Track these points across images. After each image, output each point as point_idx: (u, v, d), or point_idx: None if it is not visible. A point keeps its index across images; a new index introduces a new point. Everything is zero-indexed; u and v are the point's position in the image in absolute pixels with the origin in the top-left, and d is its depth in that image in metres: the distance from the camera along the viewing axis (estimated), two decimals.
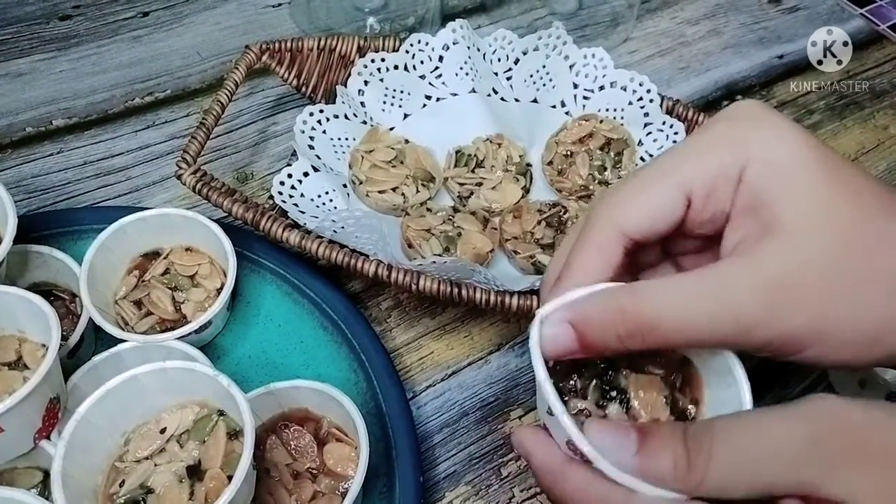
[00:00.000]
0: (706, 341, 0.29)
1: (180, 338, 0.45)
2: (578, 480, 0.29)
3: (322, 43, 0.59)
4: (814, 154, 0.29)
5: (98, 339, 0.48)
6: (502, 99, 0.62)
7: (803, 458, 0.26)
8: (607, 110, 0.61)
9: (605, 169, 0.58)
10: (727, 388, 0.31)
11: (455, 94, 0.62)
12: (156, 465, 0.38)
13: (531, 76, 0.62)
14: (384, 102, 0.61)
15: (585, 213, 0.34)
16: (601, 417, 0.31)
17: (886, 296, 0.28)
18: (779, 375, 0.52)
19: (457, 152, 0.59)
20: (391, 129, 0.61)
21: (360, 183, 0.56)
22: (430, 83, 0.62)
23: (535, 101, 0.62)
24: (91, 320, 0.46)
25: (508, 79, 0.62)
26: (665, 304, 0.28)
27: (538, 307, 0.31)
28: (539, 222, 0.54)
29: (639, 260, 0.34)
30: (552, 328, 0.30)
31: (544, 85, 0.62)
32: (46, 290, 0.48)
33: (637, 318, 0.28)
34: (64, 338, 0.41)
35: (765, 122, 0.30)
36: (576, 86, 0.62)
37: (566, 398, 0.31)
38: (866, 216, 0.28)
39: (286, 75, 0.59)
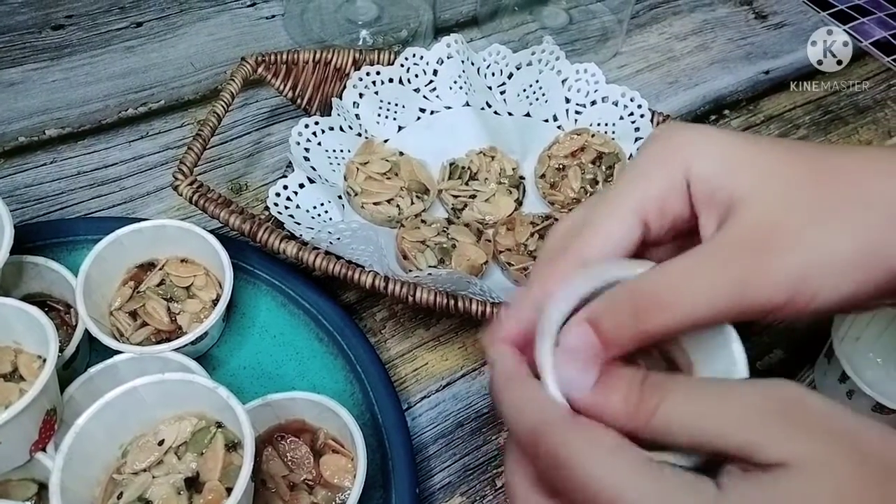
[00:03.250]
0: (716, 307, 0.29)
1: (177, 349, 0.45)
2: (527, 389, 0.30)
3: (317, 55, 0.60)
4: (737, 138, 0.32)
5: (93, 351, 0.48)
6: (496, 112, 0.63)
7: (749, 422, 0.26)
8: (599, 125, 0.62)
9: (597, 182, 0.59)
10: (721, 356, 0.31)
11: (449, 108, 0.63)
12: (154, 477, 0.38)
13: (524, 90, 0.63)
14: (379, 115, 0.62)
15: (544, 243, 0.34)
16: None
17: (863, 217, 0.29)
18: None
19: (451, 165, 0.60)
20: (386, 141, 0.61)
21: (355, 194, 0.56)
22: (424, 96, 0.63)
23: (528, 114, 0.63)
24: (87, 331, 0.46)
25: (502, 93, 0.63)
26: (673, 279, 0.29)
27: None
28: (532, 234, 0.55)
29: None
30: (572, 333, 0.30)
31: (537, 99, 0.63)
32: (41, 301, 0.48)
33: (650, 296, 0.29)
34: (59, 349, 0.41)
35: (688, 131, 0.33)
36: (568, 100, 0.63)
37: None
38: (807, 160, 0.31)
39: (282, 87, 0.60)
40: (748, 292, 0.29)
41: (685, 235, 0.34)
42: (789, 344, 0.55)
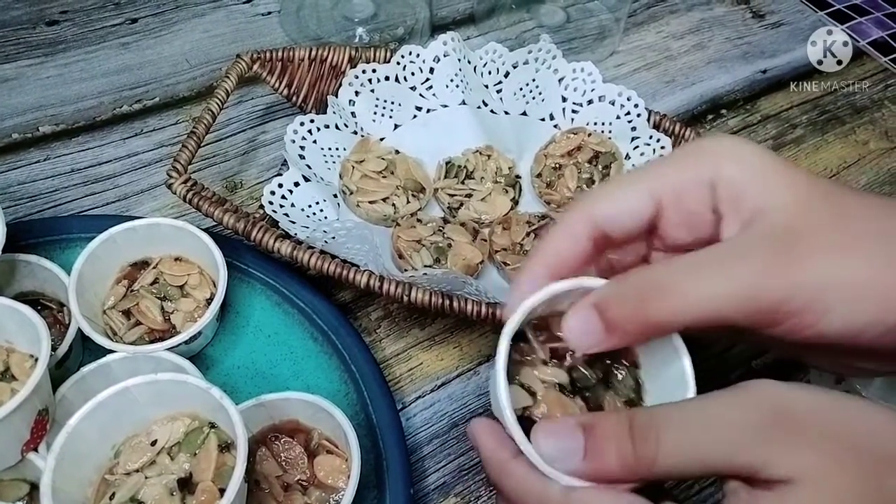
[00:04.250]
0: (728, 300, 0.29)
1: (170, 349, 0.45)
2: (519, 475, 0.30)
3: (313, 53, 0.59)
4: (769, 154, 0.32)
5: (86, 350, 0.47)
6: (492, 111, 0.62)
7: (748, 443, 0.26)
8: (595, 124, 0.62)
9: (594, 182, 0.59)
10: (671, 379, 0.32)
11: (445, 106, 0.63)
12: (146, 477, 0.38)
13: (521, 89, 0.63)
14: (375, 113, 0.62)
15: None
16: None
17: (885, 253, 0.29)
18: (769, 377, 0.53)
19: (447, 163, 0.59)
20: (382, 139, 0.61)
21: (351, 193, 0.56)
22: (420, 94, 0.63)
23: (524, 113, 0.63)
24: (79, 330, 0.45)
25: (498, 91, 0.63)
26: (688, 276, 0.30)
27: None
28: (528, 234, 0.55)
29: (620, 264, 0.36)
30: (578, 316, 0.31)
31: (534, 98, 0.63)
32: (34, 300, 0.48)
33: (664, 287, 0.30)
34: (52, 348, 0.40)
35: (725, 139, 0.33)
36: (565, 99, 0.63)
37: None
38: (830, 191, 0.31)
39: (277, 84, 0.59)
40: (763, 290, 0.29)
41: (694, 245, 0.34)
42: None
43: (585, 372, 0.33)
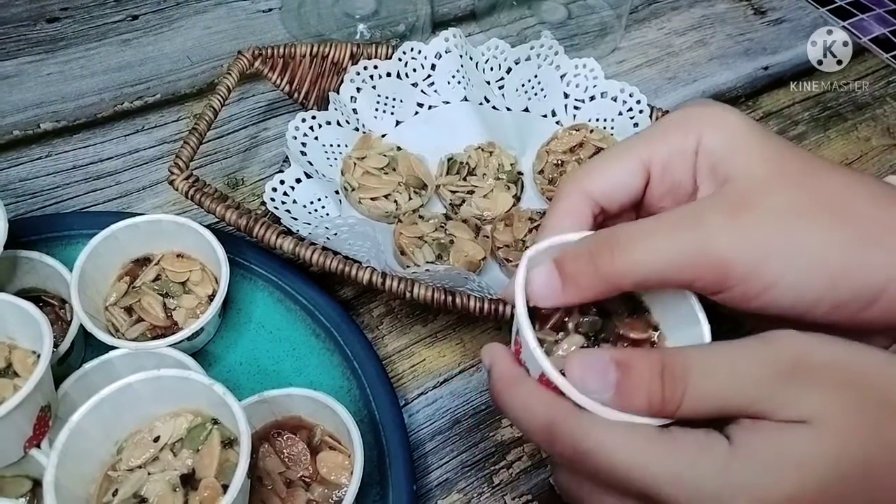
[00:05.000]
0: (674, 258, 0.30)
1: (172, 345, 0.45)
2: (529, 387, 0.31)
3: (315, 49, 0.59)
4: (752, 124, 0.33)
5: (88, 346, 0.47)
6: (494, 108, 0.62)
7: (767, 392, 0.27)
8: (597, 120, 0.62)
9: None
10: (689, 328, 0.32)
11: (447, 102, 0.63)
12: (149, 473, 0.38)
13: (523, 85, 0.63)
14: (376, 109, 0.62)
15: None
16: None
17: (841, 229, 0.30)
18: None
19: (448, 160, 0.59)
20: (383, 136, 0.61)
21: (353, 189, 0.56)
22: (422, 91, 0.62)
23: (526, 110, 0.63)
24: (81, 327, 0.45)
25: (500, 88, 0.63)
26: (641, 232, 0.31)
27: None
28: (530, 230, 0.55)
29: None
30: (539, 271, 0.32)
31: (536, 94, 0.63)
32: (36, 296, 0.48)
33: (615, 244, 0.31)
34: (54, 345, 0.40)
35: (711, 107, 0.34)
36: (567, 95, 0.62)
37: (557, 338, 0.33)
38: (803, 166, 0.32)
39: (278, 81, 0.59)
40: (709, 249, 0.29)
41: None
42: None
43: (588, 319, 0.33)
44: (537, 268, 0.32)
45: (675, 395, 0.28)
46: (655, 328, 0.34)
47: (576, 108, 0.62)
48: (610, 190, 0.35)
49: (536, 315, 0.33)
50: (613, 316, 0.34)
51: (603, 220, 0.36)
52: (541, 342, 0.32)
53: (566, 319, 0.33)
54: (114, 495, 0.37)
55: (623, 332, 0.33)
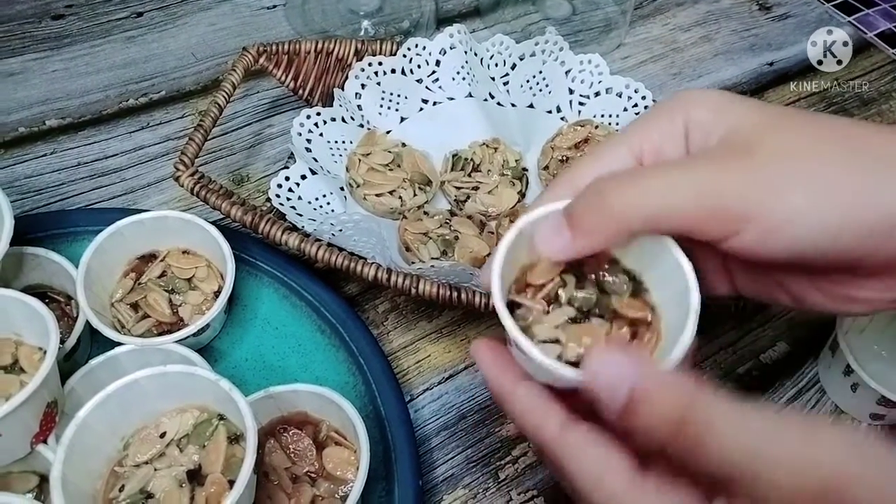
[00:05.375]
0: (680, 197, 0.29)
1: (178, 341, 0.45)
2: (523, 402, 0.31)
3: (319, 46, 0.59)
4: (739, 96, 0.33)
5: (94, 343, 0.47)
6: (499, 104, 0.62)
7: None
8: (602, 116, 0.62)
9: None
10: (680, 307, 0.31)
11: (452, 99, 0.63)
12: (156, 469, 0.38)
13: (527, 81, 0.62)
14: (381, 106, 0.61)
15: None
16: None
17: (853, 160, 0.29)
18: (771, 376, 0.53)
19: (453, 156, 0.59)
20: (388, 132, 0.61)
21: (358, 186, 0.56)
22: (426, 87, 0.62)
23: (531, 106, 0.63)
24: (87, 323, 0.45)
25: (505, 84, 0.63)
26: (649, 171, 0.31)
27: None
28: None
29: None
30: (546, 221, 0.31)
31: (541, 90, 0.62)
32: (42, 293, 0.48)
33: (624, 179, 0.30)
34: (60, 341, 0.40)
35: (694, 90, 0.34)
36: (572, 91, 0.62)
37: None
38: (804, 117, 0.32)
39: (283, 77, 0.59)
40: (714, 188, 0.29)
41: None
42: (793, 337, 0.55)
43: (584, 294, 0.32)
44: (545, 222, 0.32)
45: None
46: (653, 309, 0.33)
47: (581, 103, 0.62)
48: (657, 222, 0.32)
49: (528, 285, 0.33)
50: (613, 295, 0.33)
51: None
52: (528, 312, 0.31)
53: (560, 291, 0.32)
54: (120, 491, 0.37)
55: (620, 309, 0.32)
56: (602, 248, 0.31)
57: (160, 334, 0.46)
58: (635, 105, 0.60)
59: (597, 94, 0.62)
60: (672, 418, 0.26)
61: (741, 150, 0.30)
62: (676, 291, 0.32)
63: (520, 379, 0.32)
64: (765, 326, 0.55)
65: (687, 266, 0.31)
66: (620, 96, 0.61)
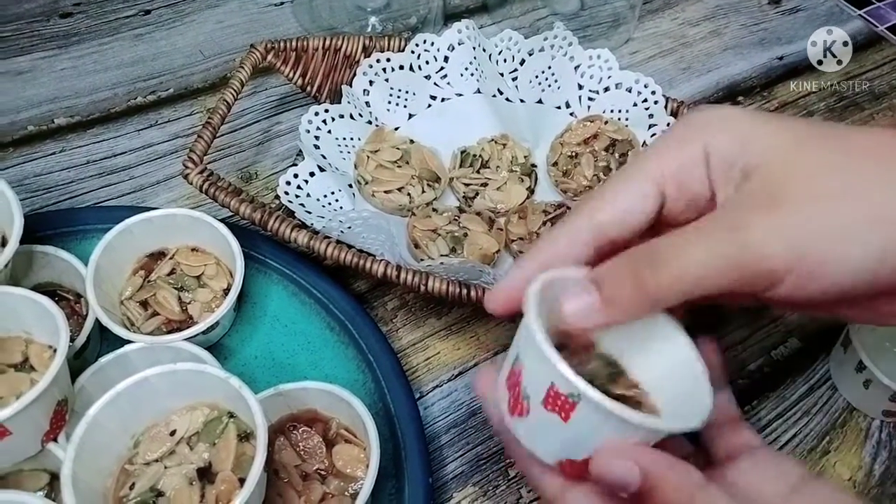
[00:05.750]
0: (716, 264, 0.29)
1: (188, 339, 0.45)
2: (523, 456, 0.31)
3: (327, 42, 0.59)
4: (755, 115, 0.32)
5: (104, 341, 0.48)
6: (507, 100, 0.62)
7: None
8: (612, 111, 0.61)
9: (610, 170, 0.58)
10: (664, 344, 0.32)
11: (460, 95, 0.62)
12: (166, 467, 0.38)
13: (536, 77, 0.62)
14: (389, 102, 0.61)
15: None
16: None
17: (881, 191, 0.28)
18: (782, 373, 0.52)
19: (462, 153, 0.59)
20: (396, 129, 0.61)
21: (366, 183, 0.56)
22: (435, 83, 0.62)
23: (540, 101, 0.62)
24: (97, 321, 0.45)
25: (514, 79, 0.62)
26: (679, 242, 0.30)
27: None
28: (544, 223, 0.54)
29: None
30: (574, 292, 0.31)
31: (549, 86, 0.62)
32: (51, 291, 0.48)
33: (655, 257, 0.30)
34: (70, 339, 0.40)
35: (708, 111, 0.33)
36: (581, 87, 0.62)
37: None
38: (825, 137, 0.31)
39: (291, 74, 0.59)
40: (749, 248, 0.28)
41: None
42: (804, 333, 0.54)
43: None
44: (574, 292, 0.31)
45: None
46: (636, 386, 0.33)
47: (590, 99, 0.62)
48: (621, 217, 0.32)
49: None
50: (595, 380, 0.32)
51: (610, 252, 0.32)
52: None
53: None
54: (131, 489, 0.37)
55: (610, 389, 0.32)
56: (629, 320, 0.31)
57: (169, 332, 0.46)
58: (645, 100, 0.60)
59: (606, 89, 0.62)
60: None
61: (770, 199, 0.29)
62: (671, 363, 0.32)
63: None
64: (776, 323, 0.55)
65: (685, 340, 0.31)
66: (630, 91, 0.61)
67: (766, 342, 0.54)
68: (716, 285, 0.29)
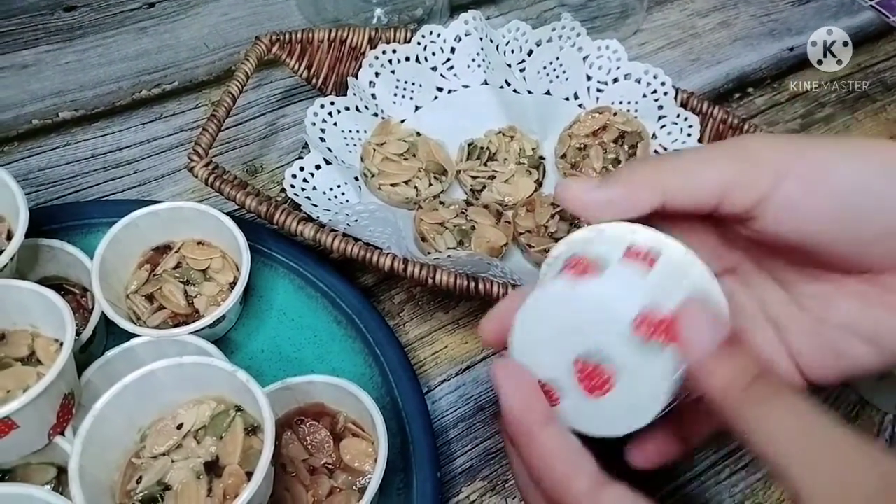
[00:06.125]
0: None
1: (194, 332, 0.44)
2: (548, 450, 0.28)
3: (333, 34, 0.59)
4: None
5: (110, 334, 0.47)
6: (515, 91, 0.61)
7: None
8: (621, 103, 0.61)
9: (619, 162, 0.57)
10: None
11: (467, 86, 0.62)
12: (173, 461, 0.38)
13: (544, 68, 0.61)
14: (395, 94, 0.61)
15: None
16: None
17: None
18: None
19: (469, 145, 0.59)
20: (402, 121, 0.60)
21: (373, 176, 0.56)
22: (441, 75, 0.62)
23: (548, 93, 0.62)
24: (103, 315, 0.45)
25: (521, 70, 0.62)
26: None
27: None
28: (552, 216, 0.54)
29: None
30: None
31: (557, 77, 0.62)
32: (57, 285, 0.48)
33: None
34: (76, 333, 0.40)
35: (773, 145, 0.32)
36: (589, 78, 0.61)
37: None
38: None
39: (296, 67, 0.59)
40: (746, 150, 0.30)
41: None
42: None
43: None
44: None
45: None
46: None
47: (598, 90, 0.61)
48: (684, 197, 0.31)
49: None
50: None
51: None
52: None
53: None
54: (138, 482, 0.37)
55: None
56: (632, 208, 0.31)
57: (176, 326, 0.46)
58: (654, 91, 0.59)
59: (615, 80, 0.61)
60: (751, 371, 0.26)
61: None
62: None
63: (548, 419, 0.29)
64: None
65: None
66: (639, 82, 0.60)
67: None
68: (708, 188, 0.30)
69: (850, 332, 0.32)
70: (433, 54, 0.61)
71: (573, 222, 0.54)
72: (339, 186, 0.55)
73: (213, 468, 0.38)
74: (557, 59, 0.61)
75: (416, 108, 0.61)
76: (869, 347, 0.31)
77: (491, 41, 0.61)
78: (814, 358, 0.33)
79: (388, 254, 0.46)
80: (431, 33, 0.61)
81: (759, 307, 0.34)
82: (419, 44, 0.61)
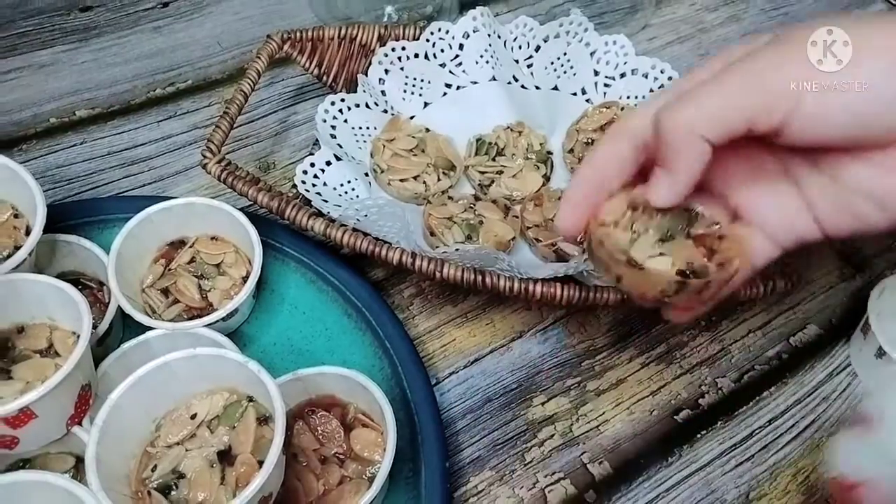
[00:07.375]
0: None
1: (208, 325, 0.45)
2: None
3: (343, 32, 0.59)
4: None
5: (126, 327, 0.48)
6: (523, 87, 0.62)
7: None
8: (628, 98, 0.61)
9: None
10: None
11: (475, 83, 0.62)
12: (187, 450, 0.39)
13: (552, 63, 0.62)
14: (405, 91, 0.61)
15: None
16: None
17: None
18: (801, 359, 0.52)
19: (477, 141, 0.59)
20: (411, 117, 0.61)
21: (382, 172, 0.56)
22: (450, 71, 0.62)
23: (555, 88, 0.62)
24: (119, 308, 0.46)
25: (529, 66, 0.62)
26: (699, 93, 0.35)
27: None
28: None
29: None
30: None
31: (565, 72, 0.62)
32: (74, 279, 0.49)
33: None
34: (93, 326, 0.41)
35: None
36: (597, 73, 0.62)
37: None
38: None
39: (307, 64, 0.60)
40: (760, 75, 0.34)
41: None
42: (824, 319, 0.54)
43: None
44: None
45: None
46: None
47: (606, 85, 0.62)
48: (721, 136, 0.34)
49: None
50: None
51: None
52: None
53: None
54: (153, 471, 0.38)
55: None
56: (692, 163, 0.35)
57: (190, 319, 0.47)
58: (662, 86, 0.60)
59: (622, 75, 0.61)
60: None
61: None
62: None
63: None
64: (795, 309, 0.55)
65: None
66: (647, 77, 0.60)
67: (786, 328, 0.54)
68: (739, 114, 0.33)
69: (862, 195, 0.35)
70: (442, 51, 0.62)
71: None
72: (349, 182, 0.55)
73: (225, 457, 0.39)
74: (565, 54, 0.62)
75: (425, 104, 0.62)
76: (879, 210, 0.35)
77: (499, 37, 0.61)
78: (829, 214, 0.37)
79: (398, 248, 0.47)
80: (440, 30, 0.61)
81: (782, 168, 0.38)
82: (428, 40, 0.61)
